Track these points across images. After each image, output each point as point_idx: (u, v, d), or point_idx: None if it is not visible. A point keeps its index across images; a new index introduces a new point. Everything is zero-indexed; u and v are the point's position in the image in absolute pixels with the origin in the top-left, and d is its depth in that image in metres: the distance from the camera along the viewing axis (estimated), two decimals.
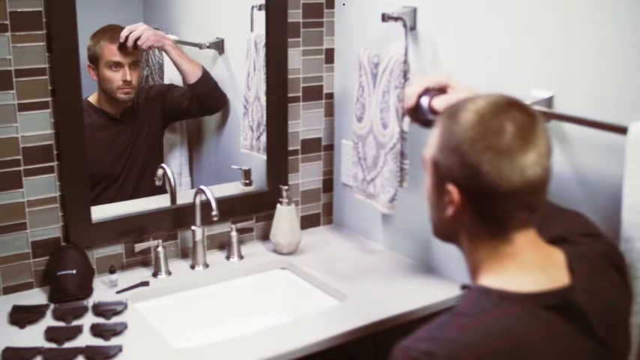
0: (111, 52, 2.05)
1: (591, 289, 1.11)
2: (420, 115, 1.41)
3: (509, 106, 1.09)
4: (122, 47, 2.06)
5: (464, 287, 1.16)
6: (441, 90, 1.39)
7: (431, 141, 1.15)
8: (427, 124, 1.39)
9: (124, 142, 2.13)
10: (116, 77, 2.07)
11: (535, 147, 1.06)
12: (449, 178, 1.09)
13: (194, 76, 2.15)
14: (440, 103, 1.35)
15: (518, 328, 1.04)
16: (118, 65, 2.06)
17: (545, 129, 1.09)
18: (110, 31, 2.06)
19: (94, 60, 2.05)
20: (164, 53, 2.20)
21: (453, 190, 1.09)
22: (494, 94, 1.12)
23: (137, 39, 2.06)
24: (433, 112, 1.37)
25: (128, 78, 2.07)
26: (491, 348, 1.01)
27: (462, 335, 1.03)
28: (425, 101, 1.38)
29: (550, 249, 1.14)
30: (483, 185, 1.05)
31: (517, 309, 1.05)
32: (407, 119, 1.80)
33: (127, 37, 2.05)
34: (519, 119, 1.07)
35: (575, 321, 1.08)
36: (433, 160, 1.13)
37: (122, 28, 2.07)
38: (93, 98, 2.09)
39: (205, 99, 2.18)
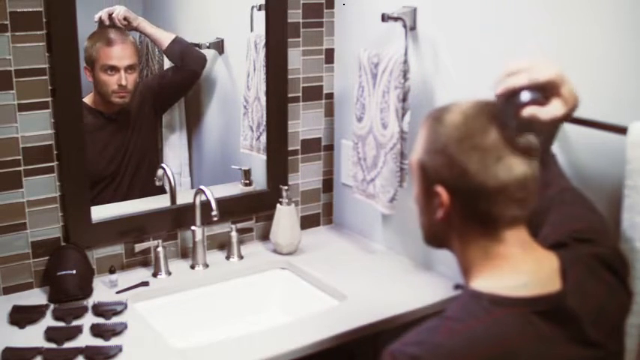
0: (107, 55, 2.04)
1: (583, 292, 1.11)
2: (503, 111, 1.12)
3: (494, 105, 1.10)
4: (101, 24, 2.05)
5: (457, 287, 1.16)
6: (545, 90, 1.16)
7: (417, 145, 1.15)
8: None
9: (120, 142, 2.12)
10: (111, 81, 2.05)
11: (520, 143, 1.07)
12: (437, 180, 1.10)
13: (168, 39, 2.16)
14: (528, 112, 1.13)
15: (507, 333, 1.04)
16: (113, 69, 2.05)
17: None
18: (107, 34, 2.05)
19: (90, 62, 2.03)
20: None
21: (441, 191, 1.10)
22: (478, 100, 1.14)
23: (111, 14, 2.06)
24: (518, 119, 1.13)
25: (123, 82, 2.05)
26: (480, 353, 1.01)
27: (451, 340, 1.03)
28: (510, 107, 1.13)
29: (543, 252, 1.14)
30: (472, 184, 1.06)
31: (507, 314, 1.05)
32: (407, 119, 1.80)
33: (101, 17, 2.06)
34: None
35: (566, 326, 1.07)
36: (420, 163, 1.14)
37: (118, 31, 2.06)
38: (88, 99, 2.07)
39: (182, 58, 2.18)
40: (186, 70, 2.21)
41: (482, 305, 1.06)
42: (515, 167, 1.06)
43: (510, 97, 1.15)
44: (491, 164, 1.05)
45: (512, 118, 1.11)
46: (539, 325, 1.05)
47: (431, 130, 1.12)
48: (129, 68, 2.07)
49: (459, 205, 1.09)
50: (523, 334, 1.04)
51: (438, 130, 1.10)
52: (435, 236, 1.19)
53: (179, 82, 2.23)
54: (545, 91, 1.16)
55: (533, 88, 1.15)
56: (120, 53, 2.05)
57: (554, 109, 1.16)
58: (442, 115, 1.11)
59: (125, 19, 2.08)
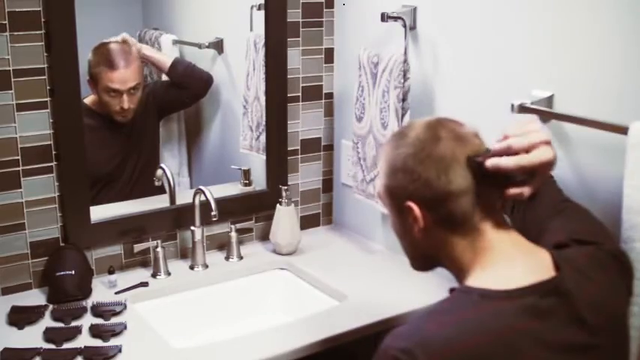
0: (110, 79, 2.01)
1: (581, 284, 1.11)
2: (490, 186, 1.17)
3: (440, 120, 1.18)
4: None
5: (452, 290, 1.17)
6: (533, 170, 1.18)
7: (379, 174, 1.22)
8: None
9: (120, 142, 2.12)
10: (114, 102, 2.04)
11: (470, 146, 1.14)
12: (404, 196, 1.15)
13: (168, 62, 2.17)
14: (512, 193, 1.17)
15: (495, 324, 1.05)
16: (116, 92, 2.03)
17: (476, 134, 1.17)
18: (110, 56, 2.03)
19: (94, 79, 2.02)
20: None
21: (412, 205, 1.15)
22: None
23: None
24: None
25: (125, 106, 2.04)
26: (470, 343, 1.03)
27: (440, 331, 1.04)
28: (497, 186, 1.17)
29: (534, 247, 1.16)
30: (436, 191, 1.12)
31: (497, 307, 1.06)
32: (407, 119, 1.80)
33: None
34: (451, 127, 1.16)
35: (556, 316, 1.08)
36: (386, 187, 1.20)
37: (122, 49, 2.05)
38: (88, 100, 2.06)
39: (185, 81, 2.18)
40: (189, 92, 2.21)
41: (472, 299, 1.09)
42: (468, 173, 1.12)
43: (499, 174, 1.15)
44: (447, 170, 1.11)
45: (498, 189, 1.16)
46: (529, 316, 1.06)
47: (389, 154, 1.19)
48: (132, 89, 2.05)
49: (432, 213, 1.14)
50: (513, 325, 1.05)
51: (395, 151, 1.17)
52: (422, 256, 1.24)
53: (183, 100, 2.23)
54: (534, 172, 1.17)
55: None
56: (122, 77, 2.03)
57: (534, 185, 1.18)
58: (397, 137, 1.19)
59: (124, 42, 2.07)
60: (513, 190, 1.16)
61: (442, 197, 1.12)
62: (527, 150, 1.14)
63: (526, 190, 1.16)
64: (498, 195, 1.17)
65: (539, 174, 1.17)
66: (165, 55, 2.17)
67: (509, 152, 1.14)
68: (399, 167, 1.16)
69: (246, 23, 2.13)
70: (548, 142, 1.16)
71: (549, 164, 1.17)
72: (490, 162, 1.12)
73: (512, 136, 1.15)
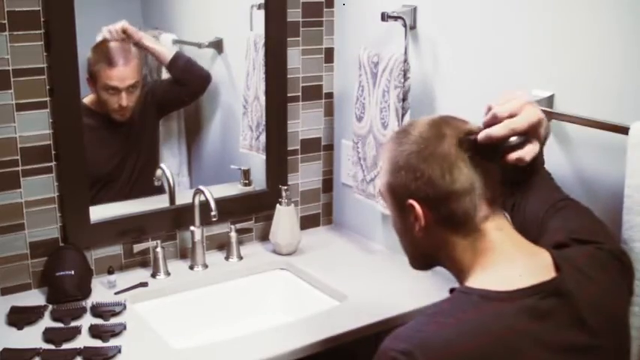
0: (108, 76, 2.00)
1: (582, 282, 1.11)
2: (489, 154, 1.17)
3: (444, 118, 1.18)
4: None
5: (452, 290, 1.17)
6: (527, 132, 1.19)
7: (382, 171, 1.22)
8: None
9: (119, 142, 2.12)
10: (112, 100, 2.03)
11: None
12: (407, 194, 1.15)
13: (169, 56, 2.15)
14: (514, 157, 1.17)
15: (495, 326, 1.05)
16: (114, 89, 2.03)
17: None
18: (110, 53, 2.02)
19: (93, 77, 2.01)
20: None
21: (414, 203, 1.14)
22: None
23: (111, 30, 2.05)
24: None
25: (124, 103, 2.03)
26: (468, 346, 1.02)
27: (440, 332, 1.04)
28: (495, 152, 1.17)
29: (534, 247, 1.16)
30: (439, 189, 1.11)
31: (497, 308, 1.06)
32: (407, 119, 1.79)
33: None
34: (455, 124, 1.15)
35: (561, 312, 1.08)
36: (388, 185, 1.19)
37: (121, 47, 2.04)
38: (87, 100, 2.05)
39: (184, 77, 2.17)
40: (188, 88, 2.20)
41: (472, 300, 1.08)
42: (472, 173, 1.12)
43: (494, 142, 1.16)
44: (451, 168, 1.11)
45: (498, 160, 1.16)
46: (528, 317, 1.06)
47: (392, 151, 1.18)
48: (131, 87, 2.04)
49: (434, 212, 1.14)
50: (514, 326, 1.05)
51: (399, 148, 1.16)
52: (422, 255, 1.23)
53: (182, 98, 2.22)
54: (526, 134, 1.18)
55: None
56: (121, 74, 2.02)
57: (533, 148, 1.19)
58: (401, 134, 1.19)
59: (124, 32, 2.06)
60: (513, 155, 1.15)
61: (445, 196, 1.12)
62: (512, 115, 1.16)
63: (526, 154, 1.16)
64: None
65: (532, 135, 1.18)
66: (166, 47, 2.17)
67: (496, 121, 1.15)
68: (402, 165, 1.15)
69: (246, 23, 2.12)
70: (531, 104, 1.18)
71: (539, 124, 1.18)
72: (481, 134, 1.14)
73: (496, 106, 1.17)
